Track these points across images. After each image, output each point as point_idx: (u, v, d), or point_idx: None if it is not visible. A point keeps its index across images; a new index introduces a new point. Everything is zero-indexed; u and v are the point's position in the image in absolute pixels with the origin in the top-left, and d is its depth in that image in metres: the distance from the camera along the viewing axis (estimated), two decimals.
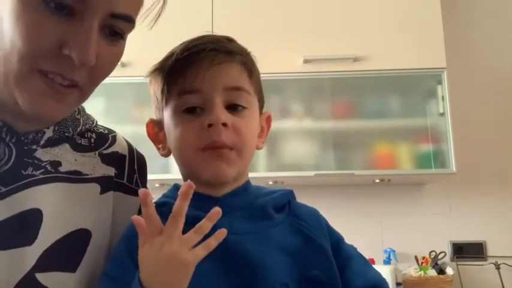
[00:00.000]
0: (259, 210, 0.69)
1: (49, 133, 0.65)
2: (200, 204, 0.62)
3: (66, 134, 0.68)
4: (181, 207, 0.56)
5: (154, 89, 0.72)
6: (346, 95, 2.20)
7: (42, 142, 0.64)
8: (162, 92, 0.70)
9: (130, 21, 0.58)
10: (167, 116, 0.70)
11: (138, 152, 0.79)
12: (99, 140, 0.73)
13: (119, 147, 0.75)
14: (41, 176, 0.63)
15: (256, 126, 0.72)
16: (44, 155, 0.64)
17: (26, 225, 0.60)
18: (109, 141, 0.74)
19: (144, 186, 0.77)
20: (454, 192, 2.30)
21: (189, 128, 0.67)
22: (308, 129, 2.13)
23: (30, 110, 0.56)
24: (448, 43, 2.11)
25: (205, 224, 0.57)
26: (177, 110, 0.68)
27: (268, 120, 0.78)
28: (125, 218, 0.69)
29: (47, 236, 0.61)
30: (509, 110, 2.37)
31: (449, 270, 2.05)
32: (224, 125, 0.66)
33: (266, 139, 0.77)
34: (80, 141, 0.71)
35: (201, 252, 0.56)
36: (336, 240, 0.71)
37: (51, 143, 0.66)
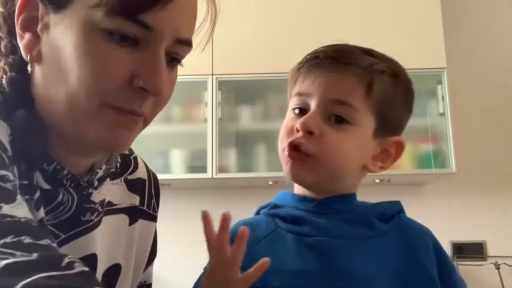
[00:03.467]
0: (360, 216, 0.68)
1: (100, 173, 0.63)
2: (300, 204, 0.69)
3: (112, 170, 0.66)
4: (239, 251, 0.58)
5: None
6: None
7: (95, 184, 0.62)
8: (290, 89, 0.73)
9: (190, 45, 0.56)
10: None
11: (153, 173, 0.78)
12: (124, 163, 0.71)
13: (141, 173, 0.74)
14: (96, 220, 0.62)
15: (358, 146, 0.68)
16: (96, 196, 0.63)
17: None
18: (132, 165, 0.72)
19: (159, 208, 0.76)
20: (454, 192, 2.30)
21: (290, 123, 0.69)
22: None
23: (103, 142, 0.54)
24: (448, 43, 2.11)
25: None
26: (290, 107, 0.71)
27: (398, 146, 0.71)
28: (143, 243, 0.71)
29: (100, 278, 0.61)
30: (510, 110, 2.38)
31: None
32: (310, 133, 0.65)
33: (390, 165, 0.73)
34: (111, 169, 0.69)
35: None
36: (446, 267, 0.67)
37: (100, 182, 0.64)
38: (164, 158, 2.14)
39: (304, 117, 0.66)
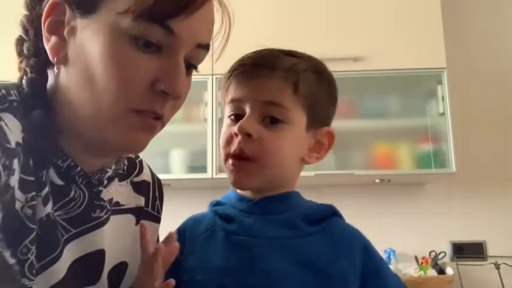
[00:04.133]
0: (286, 218, 0.71)
1: (110, 172, 0.65)
2: (238, 203, 0.73)
3: (119, 172, 0.69)
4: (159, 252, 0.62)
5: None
6: (346, 95, 2.19)
7: (105, 182, 0.65)
8: (223, 97, 0.78)
9: (208, 49, 0.60)
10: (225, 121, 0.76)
11: (157, 177, 0.81)
12: (130, 166, 0.74)
13: (146, 175, 0.77)
14: (104, 217, 0.64)
15: (294, 142, 0.72)
16: (106, 194, 0.65)
17: (92, 266, 0.61)
18: (137, 168, 0.75)
19: (162, 209, 0.79)
20: (454, 192, 2.30)
21: (227, 131, 0.73)
22: None
23: (123, 144, 0.57)
24: (448, 43, 2.11)
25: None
26: (226, 115, 0.75)
27: (330, 135, 0.77)
28: None
29: (105, 276, 0.63)
30: (509, 110, 2.37)
31: (449, 270, 2.05)
32: (248, 135, 0.69)
33: (325, 154, 0.77)
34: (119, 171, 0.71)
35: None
36: (372, 268, 0.69)
37: (109, 181, 0.66)
38: (164, 158, 2.14)
39: (241, 121, 0.70)
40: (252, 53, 0.76)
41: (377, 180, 2.19)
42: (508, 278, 2.10)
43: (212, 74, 2.11)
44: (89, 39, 0.53)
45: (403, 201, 2.31)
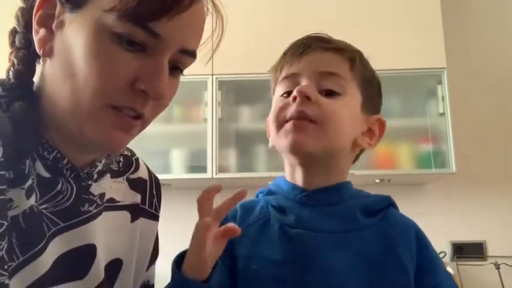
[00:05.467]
0: (344, 210, 0.68)
1: (100, 166, 0.65)
2: (290, 192, 0.71)
3: (111, 166, 0.69)
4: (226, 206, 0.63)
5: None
6: None
7: (95, 176, 0.65)
8: (273, 80, 0.77)
9: (194, 56, 0.59)
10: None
11: (155, 175, 0.80)
12: (126, 163, 0.74)
13: (142, 173, 0.76)
14: (94, 211, 0.63)
15: (351, 115, 0.70)
16: (95, 189, 0.65)
17: (81, 260, 0.61)
18: (134, 166, 0.75)
19: (160, 208, 0.78)
20: (454, 192, 2.30)
21: (280, 103, 0.71)
22: None
23: (98, 141, 0.56)
24: (448, 43, 2.12)
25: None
26: (278, 93, 0.73)
27: (381, 124, 0.75)
28: (145, 242, 0.73)
29: (97, 270, 0.63)
30: (509, 110, 2.38)
31: (449, 270, 2.05)
32: (308, 98, 0.67)
33: (376, 143, 0.75)
34: (113, 167, 0.71)
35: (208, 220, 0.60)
36: (428, 263, 0.66)
37: (100, 176, 0.66)
38: (164, 158, 2.15)
39: (299, 86, 0.68)
40: (303, 37, 0.76)
41: (377, 180, 2.19)
42: (508, 278, 2.10)
43: (212, 74, 2.11)
44: (74, 33, 0.54)
45: (403, 201, 2.30)
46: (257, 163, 2.15)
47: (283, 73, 0.73)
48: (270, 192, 0.75)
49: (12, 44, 0.61)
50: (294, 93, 0.68)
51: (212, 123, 2.11)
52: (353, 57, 0.72)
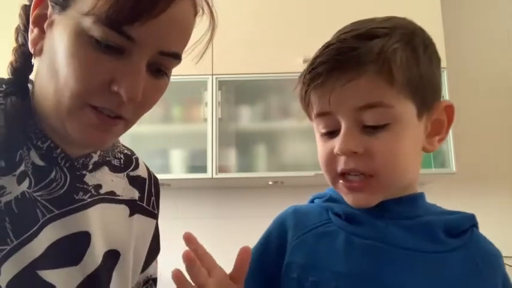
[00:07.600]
0: (424, 227, 0.61)
1: (95, 158, 0.68)
2: None
3: (107, 158, 0.72)
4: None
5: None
6: None
7: (90, 167, 0.67)
8: (303, 109, 0.67)
9: (177, 58, 0.59)
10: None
11: (154, 175, 0.82)
12: (127, 161, 0.76)
13: (142, 172, 0.78)
14: (89, 200, 0.65)
15: (409, 140, 0.61)
16: (90, 179, 0.67)
17: (75, 247, 0.63)
18: (134, 164, 0.77)
19: (159, 207, 0.80)
20: (454, 192, 2.30)
21: (325, 149, 0.63)
22: (308, 129, 2.12)
23: (78, 139, 0.59)
24: (448, 43, 2.11)
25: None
26: (317, 131, 0.65)
27: (448, 109, 0.64)
28: (142, 240, 0.75)
29: (92, 257, 0.64)
30: (509, 110, 2.37)
31: None
32: (354, 153, 0.59)
33: (446, 134, 0.66)
34: (113, 162, 0.74)
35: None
36: None
37: (95, 167, 0.68)
38: (164, 158, 2.14)
39: (339, 140, 0.60)
40: (321, 52, 0.63)
41: None
42: None
43: (212, 74, 2.11)
44: (58, 35, 0.56)
45: None
46: (257, 163, 2.15)
47: (314, 109, 0.63)
48: (330, 199, 0.68)
49: (16, 40, 0.64)
50: (337, 150, 0.60)
51: (212, 123, 2.10)
52: (389, 68, 0.58)
